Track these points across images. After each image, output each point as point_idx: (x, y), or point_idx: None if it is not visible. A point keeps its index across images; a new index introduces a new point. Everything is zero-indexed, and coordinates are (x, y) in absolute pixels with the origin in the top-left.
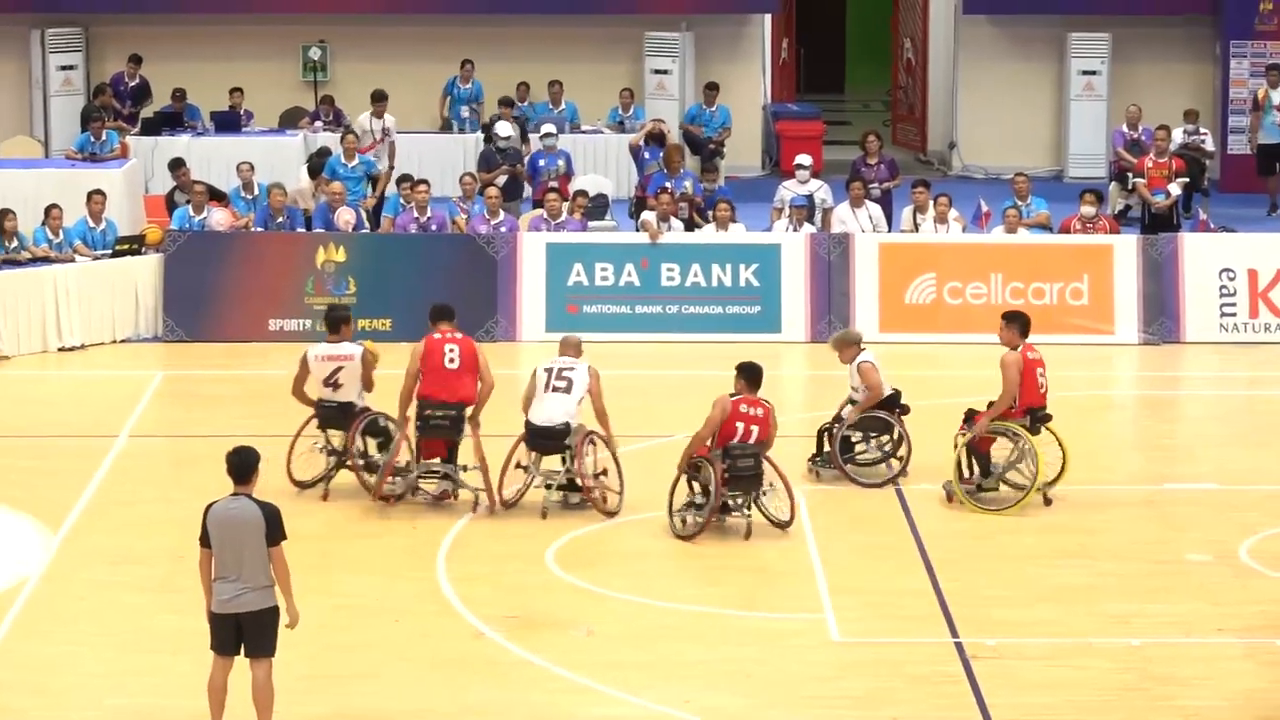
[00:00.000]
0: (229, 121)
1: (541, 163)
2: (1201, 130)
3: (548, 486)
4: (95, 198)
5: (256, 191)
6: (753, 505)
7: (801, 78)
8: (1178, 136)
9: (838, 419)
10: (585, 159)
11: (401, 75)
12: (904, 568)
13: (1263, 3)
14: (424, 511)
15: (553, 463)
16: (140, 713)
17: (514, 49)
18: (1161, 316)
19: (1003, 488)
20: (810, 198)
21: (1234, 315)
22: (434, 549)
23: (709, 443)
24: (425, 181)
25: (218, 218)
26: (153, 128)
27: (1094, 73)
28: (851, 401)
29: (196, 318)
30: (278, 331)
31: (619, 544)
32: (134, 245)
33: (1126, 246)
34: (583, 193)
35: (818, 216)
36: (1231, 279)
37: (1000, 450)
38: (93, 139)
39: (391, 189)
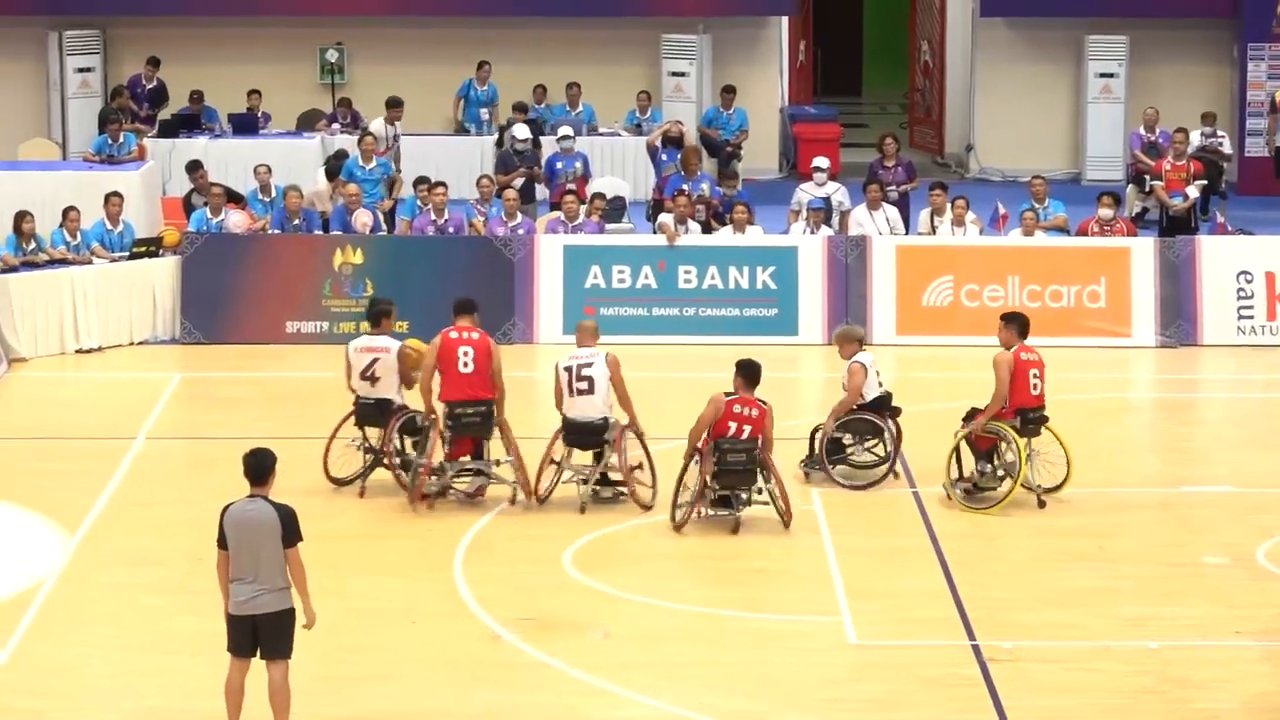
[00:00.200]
0: (246, 124)
1: (559, 165)
2: (1219, 133)
3: (583, 481)
4: (113, 200)
5: (274, 194)
6: (749, 501)
7: (819, 80)
8: (1195, 139)
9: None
10: (602, 161)
11: (419, 78)
12: (920, 570)
13: None
14: (441, 513)
15: (583, 458)
16: (157, 714)
17: (531, 51)
18: (1178, 319)
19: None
20: (827, 200)
21: (1251, 318)
22: (451, 550)
23: (704, 436)
24: (443, 184)
25: (235, 220)
26: (170, 130)
27: (1111, 75)
28: None
29: (214, 320)
30: (295, 334)
31: (636, 546)
32: (151, 247)
33: (1144, 249)
34: (600, 195)
35: (835, 219)
36: (1249, 281)
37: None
38: (110, 141)
39: (408, 191)
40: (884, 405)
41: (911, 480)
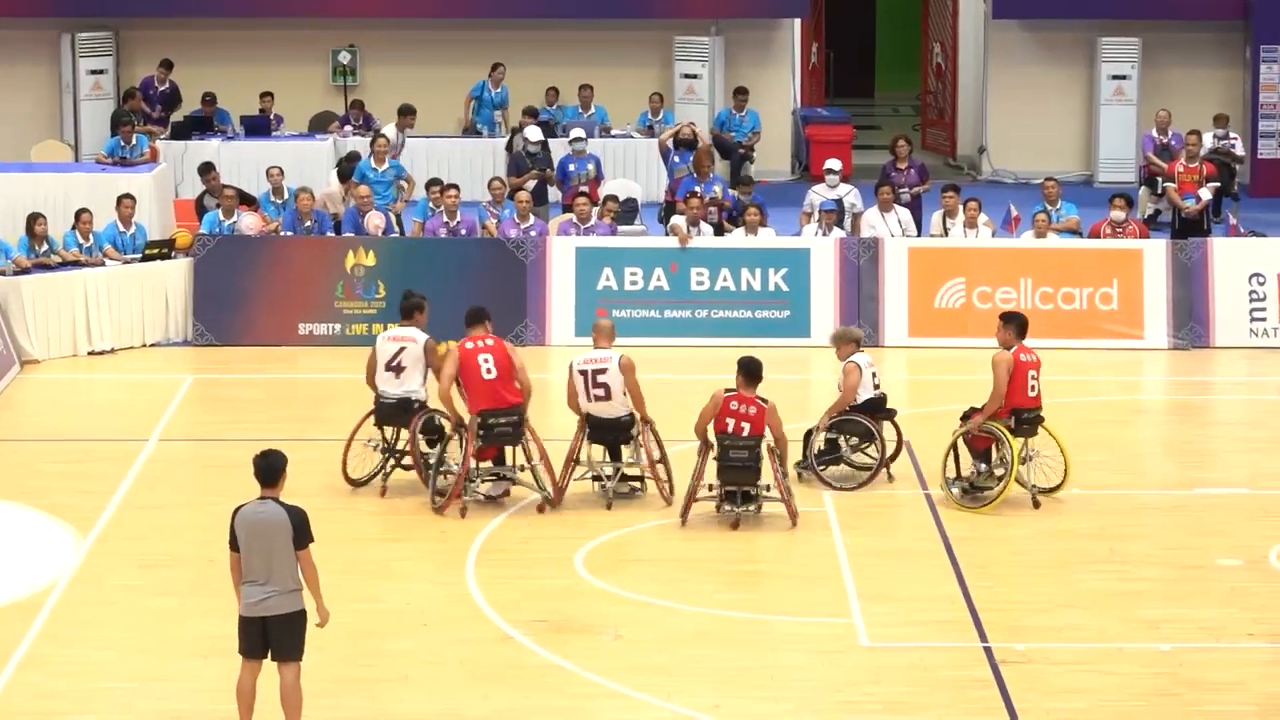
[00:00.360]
0: (259, 126)
1: (571, 167)
2: (1232, 135)
3: (607, 478)
4: (125, 202)
5: (286, 196)
6: (757, 498)
7: (831, 82)
8: (1208, 141)
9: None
10: (615, 163)
11: (431, 80)
12: (933, 572)
13: None
14: (455, 515)
15: (601, 455)
16: (169, 716)
17: (544, 53)
18: (1191, 321)
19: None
20: (840, 202)
21: (1264, 320)
22: (464, 552)
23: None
24: (455, 186)
25: (247, 222)
26: (183, 132)
27: (1124, 77)
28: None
29: (226, 322)
30: (307, 336)
31: (648, 548)
32: (164, 249)
33: (1156, 251)
34: (613, 197)
35: (847, 221)
36: (1261, 284)
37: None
38: (123, 143)
39: (420, 193)
40: (878, 408)
41: (923, 482)
